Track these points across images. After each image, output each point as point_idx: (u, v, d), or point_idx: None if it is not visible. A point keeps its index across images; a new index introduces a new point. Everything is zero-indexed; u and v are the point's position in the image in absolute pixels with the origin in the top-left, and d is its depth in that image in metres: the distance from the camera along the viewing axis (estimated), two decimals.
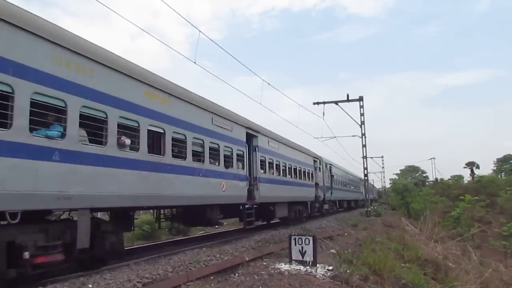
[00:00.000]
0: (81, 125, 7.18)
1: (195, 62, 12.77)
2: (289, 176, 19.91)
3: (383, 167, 78.50)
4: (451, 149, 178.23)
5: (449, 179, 77.20)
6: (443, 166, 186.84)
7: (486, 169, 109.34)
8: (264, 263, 8.85)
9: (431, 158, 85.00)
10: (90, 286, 6.11)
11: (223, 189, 12.30)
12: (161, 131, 9.54)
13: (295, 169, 20.84)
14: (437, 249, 15.73)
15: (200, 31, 12.65)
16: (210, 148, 11.71)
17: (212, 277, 7.34)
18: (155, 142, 9.51)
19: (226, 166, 12.77)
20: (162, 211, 12.34)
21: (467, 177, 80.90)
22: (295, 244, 8.73)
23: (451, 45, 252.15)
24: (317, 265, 8.60)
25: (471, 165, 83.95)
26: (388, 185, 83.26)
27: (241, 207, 14.17)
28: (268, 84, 20.12)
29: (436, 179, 79.10)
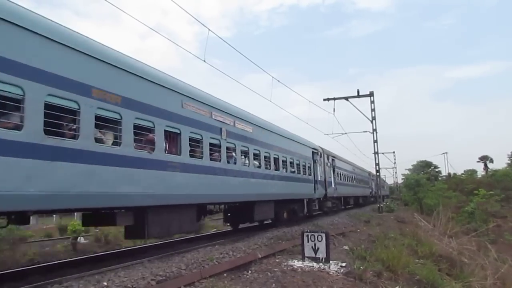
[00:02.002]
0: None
1: (204, 61, 12.70)
2: None
3: (395, 163, 77.99)
4: (464, 143, 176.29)
5: (462, 173, 76.17)
6: (456, 161, 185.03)
7: (500, 163, 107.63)
8: (277, 260, 8.84)
9: (444, 153, 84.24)
10: (105, 283, 6.16)
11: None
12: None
13: None
14: (452, 244, 15.57)
15: (209, 29, 12.60)
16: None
17: (225, 274, 7.36)
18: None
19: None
20: None
21: (480, 171, 79.79)
22: (308, 241, 8.72)
23: (463, 37, 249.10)
24: (330, 261, 8.57)
25: (484, 159, 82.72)
26: (400, 181, 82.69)
27: None
28: (278, 81, 19.93)
29: (449, 173, 78.15)
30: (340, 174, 28.55)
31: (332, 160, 26.42)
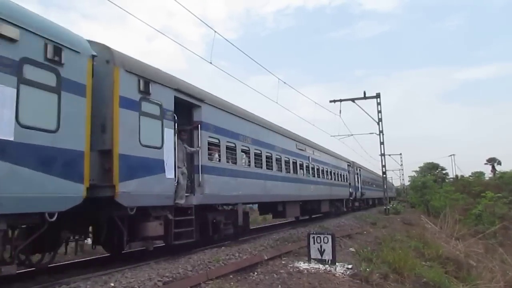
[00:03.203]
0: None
1: (211, 62, 12.73)
2: None
3: (401, 165, 77.62)
4: (471, 145, 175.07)
5: (469, 175, 75.61)
6: (464, 163, 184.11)
7: (508, 164, 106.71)
8: (283, 262, 8.85)
9: (451, 155, 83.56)
10: (112, 284, 6.20)
11: None
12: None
13: None
14: (459, 247, 15.49)
15: (215, 31, 12.65)
16: None
17: (231, 276, 7.38)
18: None
19: None
20: None
21: (488, 173, 79.17)
22: (314, 243, 8.71)
23: (470, 39, 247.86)
24: (336, 263, 8.56)
25: (492, 161, 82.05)
26: (407, 183, 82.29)
27: None
28: (284, 83, 20.01)
29: (456, 175, 77.62)
30: (230, 149, 12.14)
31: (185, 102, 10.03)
